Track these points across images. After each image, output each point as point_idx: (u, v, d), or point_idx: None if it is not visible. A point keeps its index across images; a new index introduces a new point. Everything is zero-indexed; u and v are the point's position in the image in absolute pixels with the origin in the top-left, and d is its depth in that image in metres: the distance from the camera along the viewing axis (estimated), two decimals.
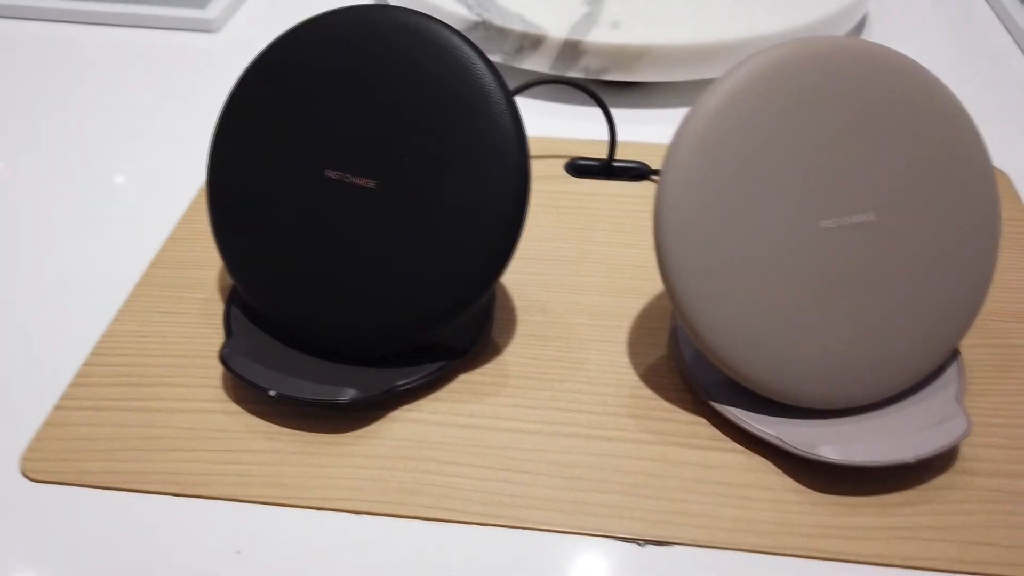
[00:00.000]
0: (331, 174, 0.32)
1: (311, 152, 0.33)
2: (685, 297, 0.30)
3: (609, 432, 0.32)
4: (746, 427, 0.31)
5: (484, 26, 0.49)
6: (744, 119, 0.29)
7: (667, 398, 0.33)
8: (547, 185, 0.43)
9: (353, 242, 0.32)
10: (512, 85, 0.43)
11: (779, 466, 0.31)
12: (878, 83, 0.30)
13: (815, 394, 0.31)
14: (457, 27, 0.49)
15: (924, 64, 0.31)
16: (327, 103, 0.33)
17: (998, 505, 0.29)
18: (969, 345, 0.35)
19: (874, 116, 0.30)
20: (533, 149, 0.32)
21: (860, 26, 0.57)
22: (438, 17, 0.32)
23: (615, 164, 0.44)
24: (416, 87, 0.32)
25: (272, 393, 0.31)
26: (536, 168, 0.44)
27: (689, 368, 0.33)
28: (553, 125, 0.47)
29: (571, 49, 0.47)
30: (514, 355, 0.35)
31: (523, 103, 0.49)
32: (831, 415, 0.31)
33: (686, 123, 0.30)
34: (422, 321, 0.32)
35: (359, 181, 0.32)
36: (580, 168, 0.44)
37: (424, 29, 0.32)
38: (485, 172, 0.31)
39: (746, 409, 0.31)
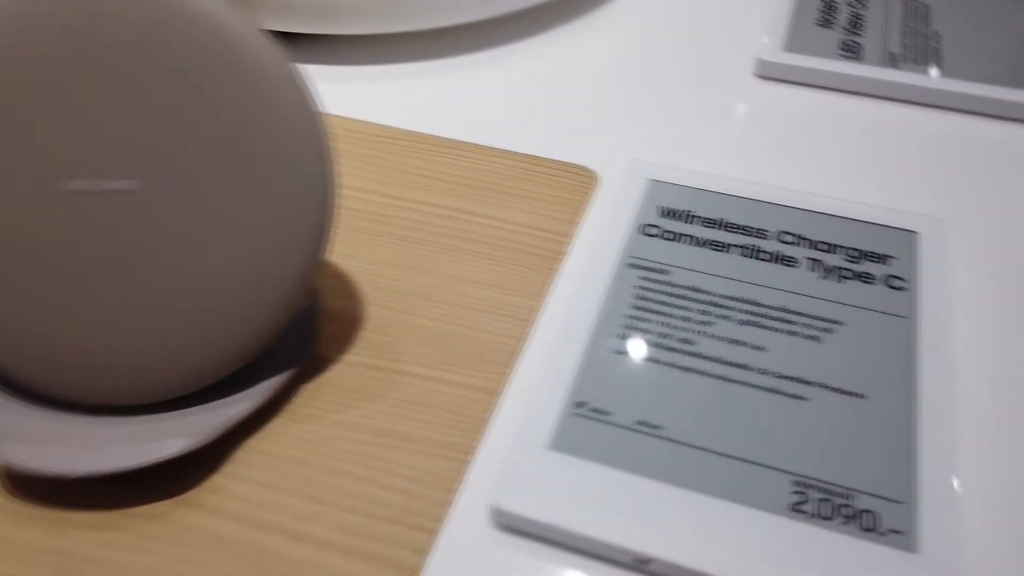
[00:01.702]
0: None
1: None
2: None
3: None
4: None
5: None
6: None
7: None
8: None
9: None
10: None
11: None
12: (158, 32, 0.24)
13: (42, 381, 0.26)
14: None
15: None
16: None
17: (183, 550, 0.24)
18: (351, 361, 0.29)
19: (149, 70, 0.24)
20: None
21: None
22: None
23: None
24: None
25: None
26: None
27: None
28: None
29: None
30: None
31: None
32: (92, 411, 0.26)
33: None
34: None
35: None
36: None
37: None
38: None
39: None
